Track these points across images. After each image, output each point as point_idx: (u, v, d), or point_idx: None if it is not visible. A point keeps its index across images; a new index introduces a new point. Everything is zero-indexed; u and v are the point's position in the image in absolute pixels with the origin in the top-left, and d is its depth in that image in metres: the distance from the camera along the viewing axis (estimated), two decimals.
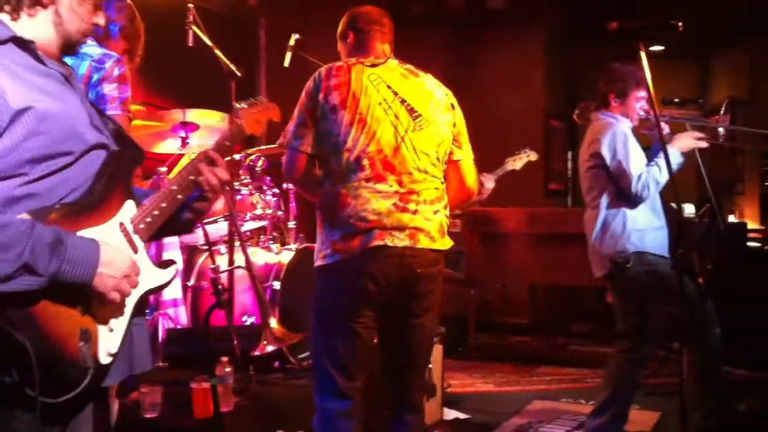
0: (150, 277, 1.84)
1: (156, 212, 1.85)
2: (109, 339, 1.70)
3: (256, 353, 3.69)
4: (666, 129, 3.94)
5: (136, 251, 1.79)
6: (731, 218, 8.67)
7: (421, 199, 2.70)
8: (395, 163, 2.70)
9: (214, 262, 3.82)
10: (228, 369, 3.45)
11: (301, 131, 2.74)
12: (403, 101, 2.77)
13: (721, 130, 4.13)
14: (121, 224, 1.77)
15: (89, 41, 2.91)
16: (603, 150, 3.80)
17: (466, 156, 2.94)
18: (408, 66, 2.91)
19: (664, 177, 3.75)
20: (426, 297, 2.76)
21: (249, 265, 3.76)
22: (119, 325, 1.73)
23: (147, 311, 4.02)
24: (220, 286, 3.52)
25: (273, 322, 3.71)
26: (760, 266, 6.58)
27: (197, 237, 4.43)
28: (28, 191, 1.63)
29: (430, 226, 2.71)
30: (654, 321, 3.92)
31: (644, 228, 3.81)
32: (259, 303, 3.71)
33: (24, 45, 1.73)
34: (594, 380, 5.49)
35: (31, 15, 1.77)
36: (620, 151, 3.77)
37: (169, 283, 1.93)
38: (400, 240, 2.64)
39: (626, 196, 3.78)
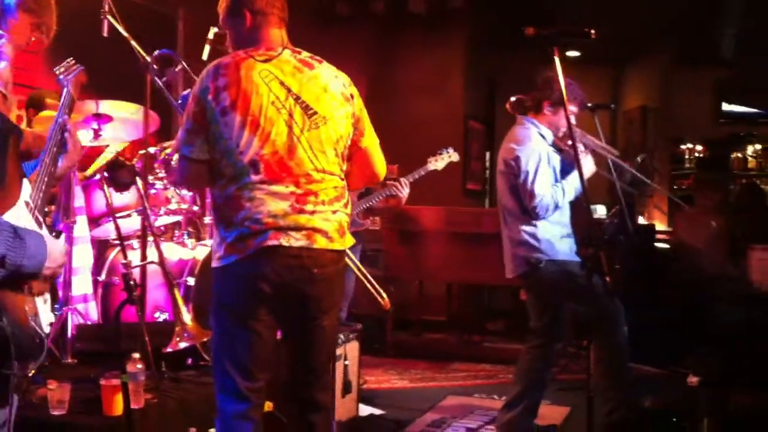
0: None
1: (44, 187, 1.97)
2: (45, 311, 1.88)
3: (169, 350, 3.63)
4: (583, 149, 4.04)
5: (41, 227, 1.87)
6: (641, 220, 8.97)
7: (319, 200, 2.65)
8: (291, 164, 2.62)
9: (125, 257, 3.74)
10: (139, 366, 3.38)
11: (190, 138, 2.64)
12: (297, 99, 2.67)
13: (628, 174, 4.32)
14: (27, 203, 1.84)
15: None
16: (515, 162, 3.90)
17: (370, 141, 2.90)
18: (303, 56, 2.78)
19: (566, 199, 3.88)
20: (325, 298, 2.70)
21: (162, 261, 3.70)
22: (47, 297, 1.90)
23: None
24: (131, 282, 3.44)
25: (186, 319, 3.66)
26: (666, 266, 6.83)
27: (109, 231, 4.33)
28: None
29: (329, 226, 2.66)
30: (564, 319, 4.04)
31: (552, 238, 3.93)
32: (172, 299, 3.66)
33: None
34: (507, 376, 5.61)
35: None
36: (529, 170, 3.86)
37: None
38: (296, 240, 2.59)
39: (526, 210, 3.89)
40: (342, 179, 2.78)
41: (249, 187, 2.60)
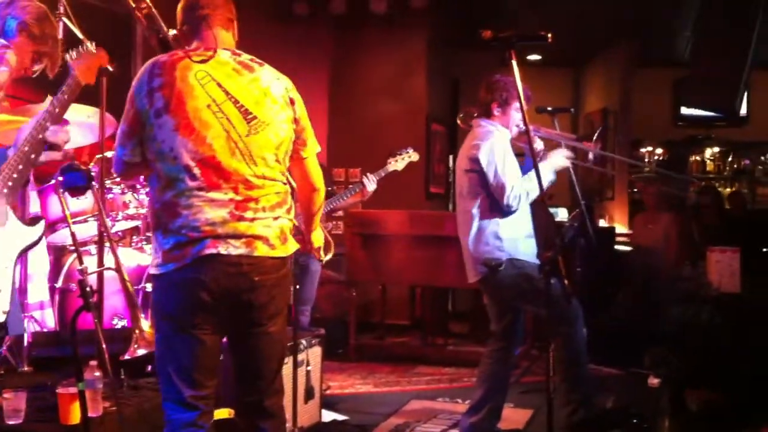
0: (22, 236, 2.06)
1: (15, 175, 2.00)
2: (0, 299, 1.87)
3: (127, 357, 3.57)
4: (540, 145, 4.07)
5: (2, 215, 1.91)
6: (601, 222, 9.06)
7: (259, 206, 2.60)
8: (230, 170, 2.56)
9: (81, 263, 3.67)
10: (97, 373, 3.33)
11: (124, 139, 2.59)
12: (236, 102, 2.59)
13: (591, 155, 4.33)
14: None
15: None
16: (480, 157, 3.89)
17: (311, 153, 2.85)
18: (242, 58, 2.70)
19: (534, 192, 3.88)
20: (268, 304, 2.66)
21: (119, 267, 3.64)
22: (5, 284, 1.92)
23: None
24: (88, 288, 3.38)
25: (145, 326, 3.60)
26: (626, 268, 6.91)
27: (65, 237, 4.26)
28: None
29: (270, 233, 2.61)
30: (523, 322, 4.07)
31: (515, 236, 3.95)
32: (130, 306, 3.60)
33: None
34: (471, 379, 5.60)
35: None
36: (496, 161, 3.87)
37: (41, 237, 2.20)
38: (235, 248, 2.54)
39: (498, 206, 3.89)
40: (284, 184, 2.73)
41: (186, 194, 2.54)
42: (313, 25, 7.89)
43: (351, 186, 5.24)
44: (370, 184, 5.12)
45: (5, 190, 1.88)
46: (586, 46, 9.43)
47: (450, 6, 8.00)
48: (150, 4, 2.94)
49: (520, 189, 3.86)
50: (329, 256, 4.64)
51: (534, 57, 9.96)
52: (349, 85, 8.13)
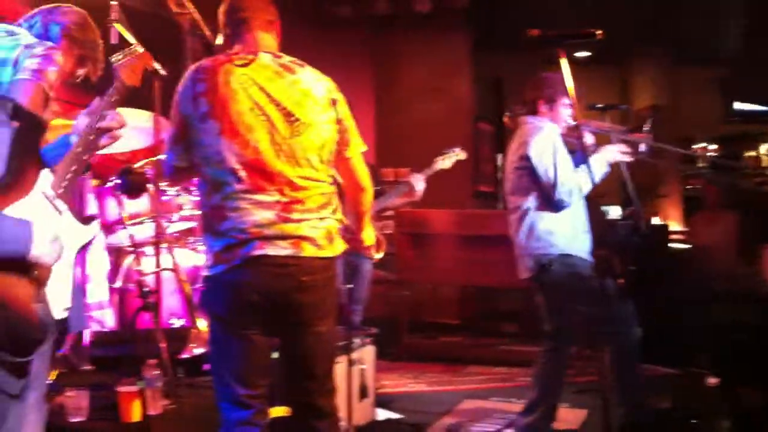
0: (79, 233, 2.04)
1: (69, 175, 2.00)
2: (60, 296, 1.89)
3: (184, 356, 3.63)
4: (591, 139, 4.03)
5: (60, 214, 1.93)
6: (655, 220, 8.93)
7: (305, 207, 2.62)
8: (275, 172, 2.58)
9: (140, 264, 3.75)
10: (156, 372, 3.39)
11: (172, 144, 2.65)
12: (278, 105, 2.62)
13: (642, 146, 4.26)
14: (43, 193, 1.90)
15: (29, 35, 2.84)
16: (531, 153, 3.86)
17: (355, 152, 2.85)
18: (283, 60, 2.72)
19: (587, 185, 3.85)
20: (317, 304, 2.67)
21: (176, 267, 3.70)
22: (65, 281, 1.91)
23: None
24: (146, 289, 3.46)
25: (201, 325, 3.66)
26: (681, 267, 6.79)
27: (123, 238, 4.34)
28: None
29: (316, 233, 2.62)
30: (577, 321, 4.02)
31: (569, 232, 3.90)
32: (187, 305, 3.66)
33: None
34: (523, 379, 5.57)
35: None
36: (548, 157, 3.83)
37: (95, 237, 2.16)
38: (282, 249, 2.56)
39: (550, 201, 3.86)
40: (330, 185, 2.74)
41: (232, 197, 2.57)
42: (356, 27, 7.92)
43: (399, 185, 5.25)
44: (419, 183, 5.12)
45: (61, 190, 1.92)
46: (634, 43, 9.31)
47: (493, 5, 7.97)
48: (192, 10, 2.99)
49: (572, 183, 3.82)
50: (381, 255, 4.66)
51: (581, 54, 9.87)
52: (395, 86, 8.14)
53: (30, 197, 1.82)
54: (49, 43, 2.84)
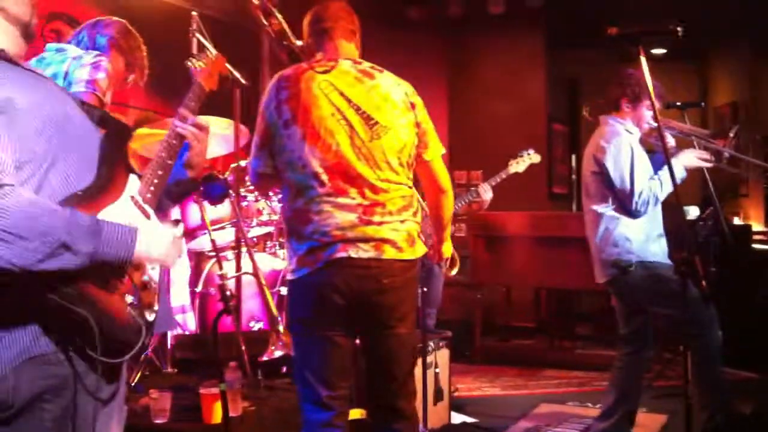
0: None
1: (156, 180, 2.02)
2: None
3: (264, 359, 3.70)
4: (672, 142, 3.95)
5: (148, 218, 1.95)
6: (736, 221, 8.68)
7: (386, 210, 2.66)
8: (356, 175, 2.64)
9: (221, 269, 3.84)
10: (236, 374, 3.46)
11: (257, 152, 2.72)
12: (358, 109, 2.67)
13: (725, 154, 4.15)
14: (132, 197, 1.92)
15: (78, 49, 2.97)
16: (607, 161, 3.80)
17: (434, 155, 2.87)
18: (363, 66, 2.78)
19: (665, 192, 3.77)
20: (397, 306, 2.70)
21: (256, 271, 3.78)
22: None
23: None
24: (227, 293, 3.52)
25: (280, 328, 3.73)
26: (765, 268, 6.59)
27: (204, 244, 4.45)
28: (44, 181, 1.74)
29: (397, 236, 2.66)
30: (656, 324, 3.94)
31: (644, 238, 3.84)
32: (267, 309, 3.73)
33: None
34: (600, 383, 5.50)
35: None
36: (623, 165, 3.76)
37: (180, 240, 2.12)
38: (365, 251, 2.61)
39: (626, 209, 3.80)
40: (410, 188, 2.78)
41: (316, 200, 2.63)
42: (429, 29, 7.92)
43: (469, 191, 5.24)
44: (486, 192, 5.10)
45: (149, 195, 1.98)
46: (712, 38, 9.06)
47: (567, 4, 7.87)
48: (281, 20, 3.05)
49: (649, 193, 3.75)
50: (455, 271, 4.68)
51: (658, 51, 9.66)
52: (468, 87, 8.12)
53: (120, 201, 1.87)
54: (95, 52, 2.97)
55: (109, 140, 1.91)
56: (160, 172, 2.03)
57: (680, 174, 3.83)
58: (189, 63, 2.42)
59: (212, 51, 2.65)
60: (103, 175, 1.85)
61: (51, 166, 1.75)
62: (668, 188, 3.76)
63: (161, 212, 2.11)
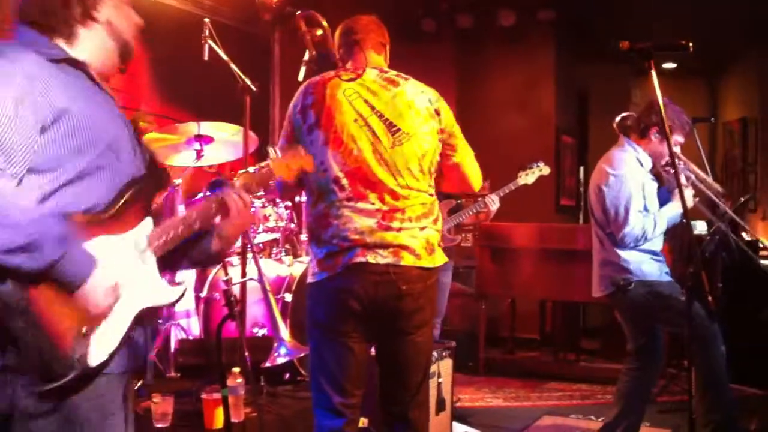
0: (155, 293, 1.90)
1: (172, 233, 1.91)
2: (103, 342, 1.76)
3: (267, 365, 3.70)
4: (685, 181, 3.94)
5: (144, 263, 1.86)
6: (744, 236, 8.64)
7: (405, 216, 2.67)
8: (376, 181, 2.66)
9: (226, 274, 3.84)
10: (239, 380, 3.47)
11: None
12: (380, 116, 2.70)
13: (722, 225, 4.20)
14: (136, 240, 1.84)
15: None
16: (606, 191, 3.82)
17: (463, 156, 2.91)
18: (388, 74, 2.82)
19: (658, 230, 3.82)
20: (415, 314, 2.71)
21: (261, 277, 3.78)
22: (116, 333, 1.79)
23: (160, 321, 4.05)
24: (232, 298, 3.53)
25: (284, 335, 3.73)
26: None
27: None
28: (57, 190, 1.72)
29: (416, 243, 2.67)
30: (661, 340, 3.94)
31: (641, 259, 3.84)
32: (271, 315, 3.74)
33: (77, 65, 1.83)
34: (604, 396, 5.49)
35: (86, 30, 1.86)
36: (620, 200, 3.78)
37: (175, 302, 1.99)
38: (383, 257, 2.62)
39: (614, 237, 3.82)
40: (431, 195, 2.79)
41: (336, 205, 2.66)
42: (440, 40, 7.94)
43: (477, 202, 5.24)
44: (493, 204, 5.11)
45: (157, 243, 1.89)
46: (723, 53, 9.05)
47: (578, 17, 7.88)
48: (326, 27, 3.07)
49: (640, 230, 3.77)
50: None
51: (669, 65, 9.66)
52: (477, 99, 8.12)
53: (120, 238, 1.81)
54: None
55: (142, 182, 1.88)
56: (180, 228, 1.92)
57: (676, 212, 3.84)
58: (271, 151, 2.31)
59: (305, 149, 2.53)
60: (119, 209, 1.81)
61: (75, 181, 1.74)
62: (662, 228, 3.83)
63: (170, 269, 2.03)
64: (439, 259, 2.76)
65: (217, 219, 2.06)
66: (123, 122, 1.91)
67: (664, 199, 3.92)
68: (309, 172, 2.64)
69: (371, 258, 2.62)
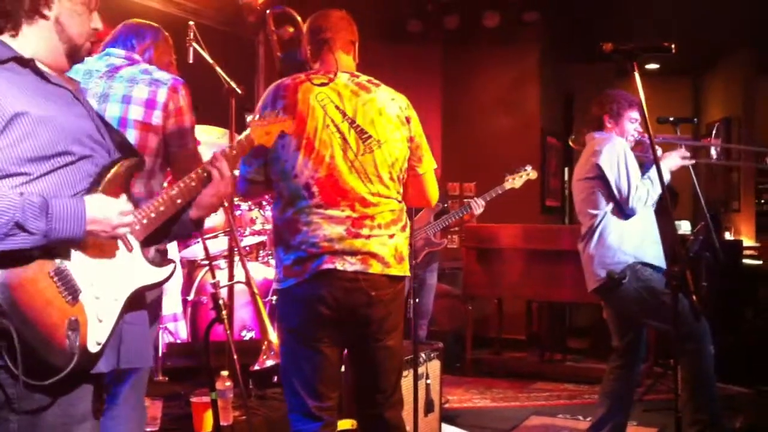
0: (143, 274, 1.92)
1: (153, 215, 1.93)
2: (97, 329, 1.78)
3: (256, 368, 3.70)
4: (660, 152, 3.98)
5: (131, 250, 1.87)
6: (727, 235, 8.72)
7: (375, 223, 2.66)
8: (346, 188, 2.64)
9: (214, 277, 3.83)
10: (228, 383, 3.46)
11: (249, 158, 2.68)
12: (352, 122, 2.68)
13: (713, 150, 4.19)
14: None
15: (150, 67, 2.95)
16: (601, 162, 3.83)
17: (427, 168, 2.89)
18: (360, 80, 2.79)
19: (656, 191, 3.82)
20: (385, 319, 2.71)
21: (249, 280, 3.78)
22: (109, 317, 1.81)
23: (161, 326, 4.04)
24: (219, 301, 3.53)
25: (272, 337, 3.72)
26: (755, 283, 6.62)
27: (197, 252, 4.45)
28: (30, 190, 1.72)
29: (385, 251, 2.67)
30: (645, 338, 3.96)
31: (641, 239, 3.86)
32: (259, 318, 3.73)
33: (24, 63, 1.81)
34: (591, 396, 5.51)
35: (32, 25, 1.83)
36: (619, 163, 3.81)
37: (165, 280, 2.00)
38: (351, 264, 2.61)
39: (621, 208, 3.83)
40: (399, 202, 2.79)
41: (305, 211, 2.63)
42: (426, 42, 7.95)
43: (463, 206, 5.28)
44: (478, 208, 5.15)
45: (137, 226, 1.90)
46: (706, 54, 9.12)
47: (563, 19, 7.92)
48: (301, 24, 3.02)
49: (643, 189, 3.80)
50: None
51: (652, 66, 9.73)
52: (463, 100, 8.14)
53: None
54: (180, 80, 2.97)
55: (116, 165, 1.87)
56: (162, 209, 1.94)
57: (666, 177, 3.87)
58: (249, 118, 2.34)
59: (279, 110, 2.55)
60: (101, 187, 1.82)
61: (46, 176, 1.74)
62: (658, 189, 3.81)
63: (152, 245, 2.03)
64: (407, 267, 2.77)
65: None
66: (84, 111, 1.89)
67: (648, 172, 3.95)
68: (279, 180, 2.66)
69: (339, 265, 2.61)
